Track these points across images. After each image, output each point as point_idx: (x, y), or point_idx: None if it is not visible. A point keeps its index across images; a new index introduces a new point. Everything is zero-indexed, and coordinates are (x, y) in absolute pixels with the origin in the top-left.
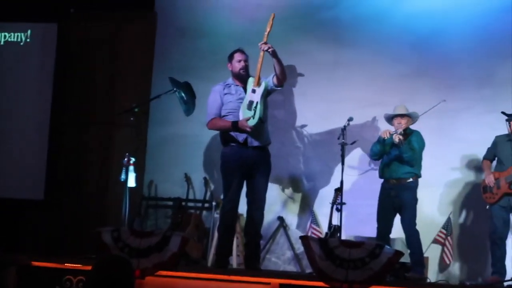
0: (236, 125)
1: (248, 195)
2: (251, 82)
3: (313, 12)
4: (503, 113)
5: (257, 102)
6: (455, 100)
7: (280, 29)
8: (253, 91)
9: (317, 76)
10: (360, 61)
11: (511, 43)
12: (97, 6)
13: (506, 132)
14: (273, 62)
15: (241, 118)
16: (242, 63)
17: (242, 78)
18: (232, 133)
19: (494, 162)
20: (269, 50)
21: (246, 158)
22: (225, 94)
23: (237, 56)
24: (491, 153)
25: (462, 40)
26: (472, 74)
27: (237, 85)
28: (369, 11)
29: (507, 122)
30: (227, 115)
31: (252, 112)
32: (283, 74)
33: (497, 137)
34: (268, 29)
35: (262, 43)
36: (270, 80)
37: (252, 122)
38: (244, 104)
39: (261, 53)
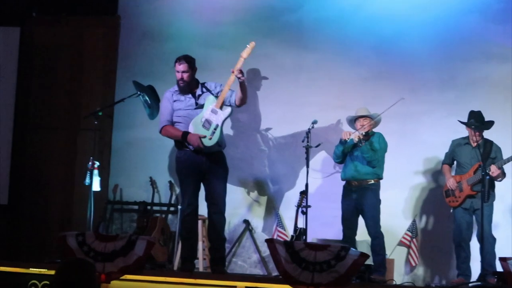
0: (185, 137)
1: (207, 199)
2: (212, 100)
3: (277, 15)
4: (460, 121)
5: (217, 125)
6: (417, 103)
7: (244, 32)
8: (214, 111)
9: (281, 79)
10: (323, 64)
11: (472, 46)
12: (60, 10)
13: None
14: (239, 88)
15: (191, 130)
16: (179, 75)
17: (180, 89)
18: None
19: (453, 166)
20: (240, 79)
21: (200, 162)
22: (174, 101)
23: (176, 67)
24: (450, 158)
25: (423, 43)
26: (434, 77)
27: (182, 93)
28: (332, 15)
29: (473, 127)
30: (178, 123)
31: (210, 132)
32: (245, 100)
33: (454, 141)
34: (244, 56)
35: (238, 70)
36: (232, 97)
37: (208, 143)
38: (198, 120)
39: (232, 78)
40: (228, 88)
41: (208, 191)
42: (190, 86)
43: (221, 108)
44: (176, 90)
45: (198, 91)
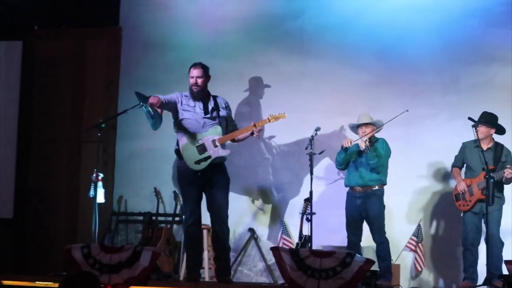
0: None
1: (208, 209)
2: (218, 131)
3: (278, 23)
4: (469, 118)
5: (209, 157)
6: (420, 107)
7: (246, 40)
8: (214, 143)
9: (283, 87)
10: (326, 71)
11: (473, 49)
12: (61, 23)
13: (472, 138)
14: (244, 136)
15: (183, 141)
16: (194, 80)
17: (193, 95)
18: None
19: (463, 169)
20: (255, 135)
21: (200, 172)
22: (182, 106)
23: (191, 72)
24: (460, 160)
25: (425, 47)
26: (436, 81)
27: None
28: (333, 21)
29: (474, 128)
30: (183, 130)
31: (200, 158)
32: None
33: (464, 143)
34: (272, 121)
35: (259, 130)
36: (225, 130)
37: (194, 167)
38: (194, 141)
39: (249, 128)
40: (240, 134)
41: (209, 201)
42: (203, 94)
43: (222, 145)
44: (186, 95)
45: (211, 104)
